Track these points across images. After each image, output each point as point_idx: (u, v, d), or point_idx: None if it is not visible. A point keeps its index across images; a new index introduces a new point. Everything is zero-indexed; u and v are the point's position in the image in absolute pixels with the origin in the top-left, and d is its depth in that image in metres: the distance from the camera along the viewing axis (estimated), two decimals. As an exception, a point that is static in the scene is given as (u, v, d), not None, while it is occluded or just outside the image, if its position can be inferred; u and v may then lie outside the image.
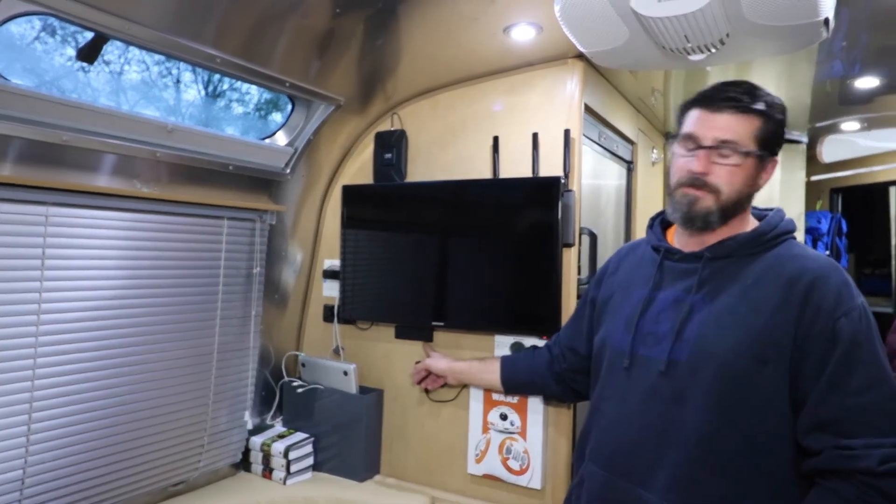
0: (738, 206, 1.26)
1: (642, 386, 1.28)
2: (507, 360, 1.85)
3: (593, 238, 2.10)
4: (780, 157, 1.38)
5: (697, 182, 1.23)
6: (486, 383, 1.94)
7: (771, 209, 1.34)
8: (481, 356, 2.00)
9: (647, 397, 1.27)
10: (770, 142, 1.24)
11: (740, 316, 1.19)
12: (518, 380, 1.80)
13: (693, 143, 1.25)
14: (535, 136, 2.08)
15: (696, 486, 1.18)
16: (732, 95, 1.23)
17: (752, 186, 1.26)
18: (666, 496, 1.20)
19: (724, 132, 1.22)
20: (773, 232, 1.25)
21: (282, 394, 2.43)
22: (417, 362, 2.17)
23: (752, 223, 1.31)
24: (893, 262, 4.16)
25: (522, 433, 2.01)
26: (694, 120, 1.26)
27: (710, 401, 1.18)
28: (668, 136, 3.37)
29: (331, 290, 2.47)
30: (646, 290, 1.34)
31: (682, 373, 1.22)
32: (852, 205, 4.67)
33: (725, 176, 1.22)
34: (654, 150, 3.19)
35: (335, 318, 2.44)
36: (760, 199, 1.35)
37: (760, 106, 1.23)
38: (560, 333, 1.72)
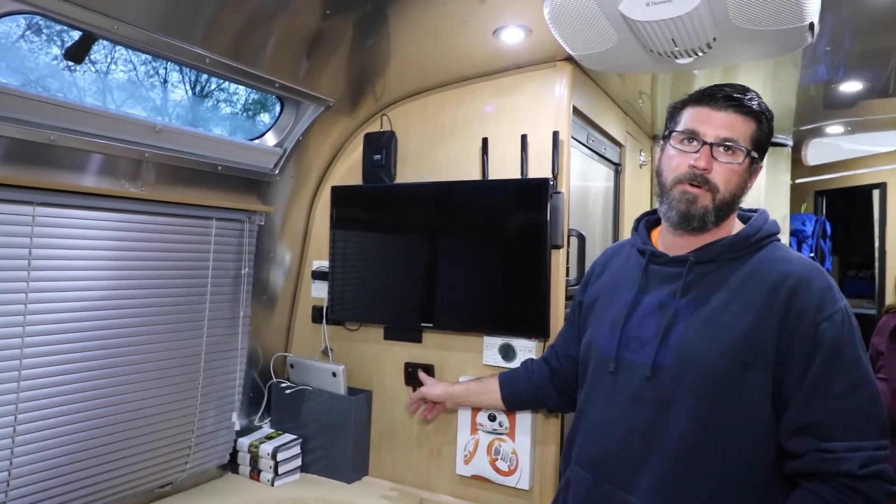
0: (730, 207, 1.26)
1: (627, 390, 1.28)
2: (506, 378, 1.79)
3: (581, 240, 2.12)
4: (765, 160, 1.40)
5: (698, 179, 1.22)
6: (486, 404, 1.91)
7: (755, 210, 1.34)
8: (478, 375, 1.96)
9: (632, 402, 1.27)
10: (761, 145, 1.26)
11: (724, 321, 1.19)
12: (520, 397, 1.76)
13: (694, 139, 1.24)
14: (523, 137, 2.09)
15: (680, 490, 1.19)
16: (733, 95, 1.23)
17: (744, 188, 1.26)
18: (650, 500, 1.21)
19: (726, 130, 1.22)
20: (758, 235, 1.25)
21: (270, 395, 2.42)
22: (414, 373, 2.17)
23: (737, 226, 1.31)
24: (877, 265, 4.21)
25: (511, 434, 2.02)
26: (693, 117, 1.25)
27: (695, 407, 1.19)
28: (658, 137, 3.38)
29: (319, 291, 2.46)
30: (631, 294, 1.34)
31: (667, 378, 1.22)
32: (836, 207, 4.73)
33: (724, 174, 1.22)
34: (642, 153, 3.21)
35: (324, 320, 2.43)
36: (747, 201, 1.36)
37: (758, 108, 1.24)
38: (555, 343, 1.71)
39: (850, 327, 1.15)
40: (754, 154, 1.24)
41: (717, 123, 1.22)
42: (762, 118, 1.24)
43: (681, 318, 1.24)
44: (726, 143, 1.22)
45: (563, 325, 2.02)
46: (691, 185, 1.23)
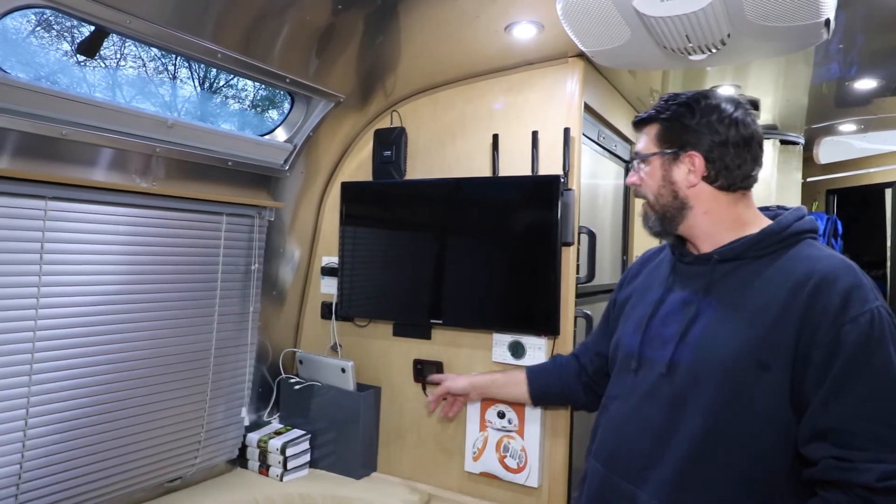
0: (675, 208, 1.29)
1: (645, 386, 1.28)
2: (534, 372, 1.74)
3: (592, 237, 2.11)
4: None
5: (638, 194, 1.37)
6: (511, 397, 1.86)
7: (788, 209, 1.31)
8: (502, 367, 1.93)
9: (648, 398, 1.27)
10: (671, 138, 1.28)
11: (744, 319, 1.17)
12: (548, 392, 1.72)
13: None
14: (534, 134, 2.08)
15: (690, 488, 1.17)
16: (635, 120, 1.37)
17: (673, 183, 1.28)
18: (659, 496, 1.20)
19: (638, 147, 1.35)
20: (786, 231, 1.21)
21: (279, 390, 2.43)
22: (423, 369, 2.16)
23: (761, 223, 1.27)
24: (889, 264, 4.18)
25: (520, 431, 2.01)
26: None
27: (708, 404, 1.17)
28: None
29: (329, 287, 2.47)
30: (659, 293, 1.35)
31: (683, 375, 1.21)
32: (848, 206, 4.69)
33: (646, 181, 1.32)
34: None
35: (333, 315, 2.44)
36: (757, 200, 1.34)
37: (651, 113, 1.31)
38: (587, 340, 1.70)
39: (880, 330, 1.08)
40: (657, 151, 1.29)
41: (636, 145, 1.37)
42: (660, 117, 1.30)
43: (701, 316, 1.23)
44: (636, 158, 1.35)
45: (574, 323, 2.03)
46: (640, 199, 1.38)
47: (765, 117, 2.98)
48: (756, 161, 1.27)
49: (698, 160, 1.25)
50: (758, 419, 1.14)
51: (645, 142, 1.32)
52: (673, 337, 1.25)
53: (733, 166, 1.24)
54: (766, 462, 1.14)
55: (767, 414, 1.13)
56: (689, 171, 1.26)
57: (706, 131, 1.24)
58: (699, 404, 1.18)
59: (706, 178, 1.25)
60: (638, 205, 2.88)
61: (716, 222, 1.27)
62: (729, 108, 1.25)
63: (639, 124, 1.35)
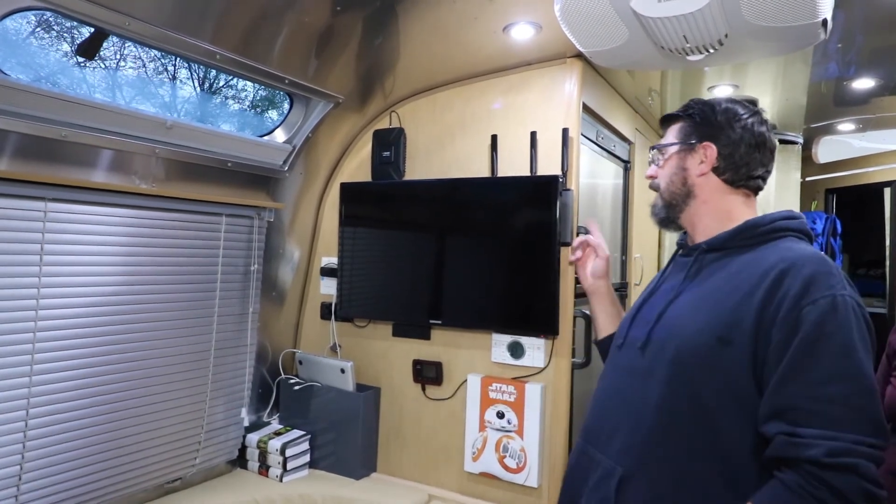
0: (681, 195, 1.39)
1: (624, 363, 1.37)
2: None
3: (591, 237, 2.11)
4: (775, 158, 1.39)
5: (652, 186, 1.47)
6: (597, 322, 1.71)
7: None
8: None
9: (625, 373, 1.35)
10: (690, 133, 1.38)
11: (713, 300, 1.23)
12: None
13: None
14: (533, 135, 2.08)
15: (649, 454, 1.22)
16: (664, 115, 1.46)
17: (685, 170, 1.37)
18: (620, 460, 1.25)
19: (660, 141, 1.45)
20: (767, 227, 1.27)
21: (279, 391, 2.43)
22: (422, 369, 2.17)
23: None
24: (888, 263, 4.18)
25: (519, 431, 2.02)
26: None
27: (671, 375, 1.22)
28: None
29: (328, 288, 2.47)
30: (654, 283, 1.45)
31: (654, 349, 1.28)
32: (847, 205, 4.69)
33: (661, 172, 1.43)
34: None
35: (332, 316, 2.44)
36: (756, 201, 1.37)
37: (679, 111, 1.41)
38: None
39: (844, 315, 1.09)
40: (676, 142, 1.39)
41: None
42: (684, 114, 1.40)
43: (679, 299, 1.31)
44: (653, 150, 1.45)
45: (574, 322, 2.04)
46: (654, 191, 1.48)
47: (763, 117, 2.98)
48: (764, 164, 1.36)
49: (711, 151, 1.34)
50: (719, 393, 1.17)
51: (667, 136, 1.43)
52: (654, 317, 1.33)
53: (741, 163, 1.33)
54: (729, 437, 1.17)
55: (728, 389, 1.17)
56: (701, 161, 1.36)
57: (724, 127, 1.34)
58: (662, 375, 1.24)
59: (715, 170, 1.34)
60: (641, 203, 2.89)
61: (711, 213, 1.36)
62: (746, 112, 1.36)
63: (665, 121, 1.46)
